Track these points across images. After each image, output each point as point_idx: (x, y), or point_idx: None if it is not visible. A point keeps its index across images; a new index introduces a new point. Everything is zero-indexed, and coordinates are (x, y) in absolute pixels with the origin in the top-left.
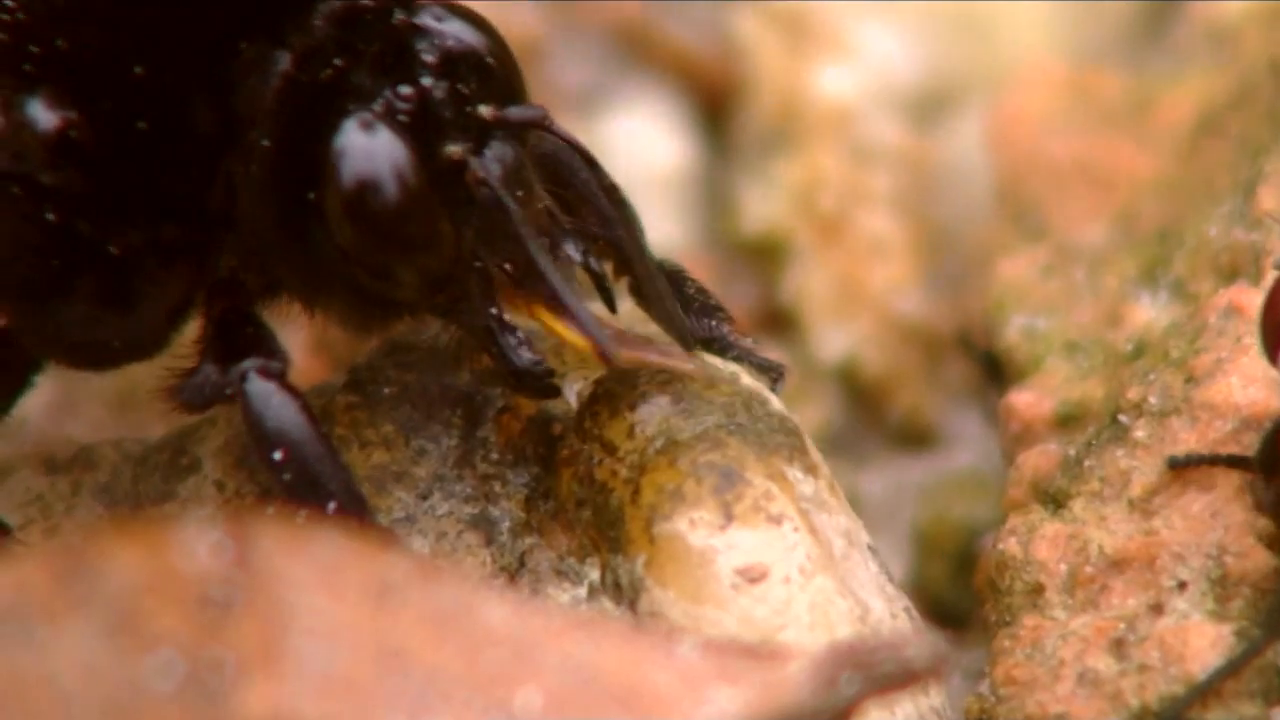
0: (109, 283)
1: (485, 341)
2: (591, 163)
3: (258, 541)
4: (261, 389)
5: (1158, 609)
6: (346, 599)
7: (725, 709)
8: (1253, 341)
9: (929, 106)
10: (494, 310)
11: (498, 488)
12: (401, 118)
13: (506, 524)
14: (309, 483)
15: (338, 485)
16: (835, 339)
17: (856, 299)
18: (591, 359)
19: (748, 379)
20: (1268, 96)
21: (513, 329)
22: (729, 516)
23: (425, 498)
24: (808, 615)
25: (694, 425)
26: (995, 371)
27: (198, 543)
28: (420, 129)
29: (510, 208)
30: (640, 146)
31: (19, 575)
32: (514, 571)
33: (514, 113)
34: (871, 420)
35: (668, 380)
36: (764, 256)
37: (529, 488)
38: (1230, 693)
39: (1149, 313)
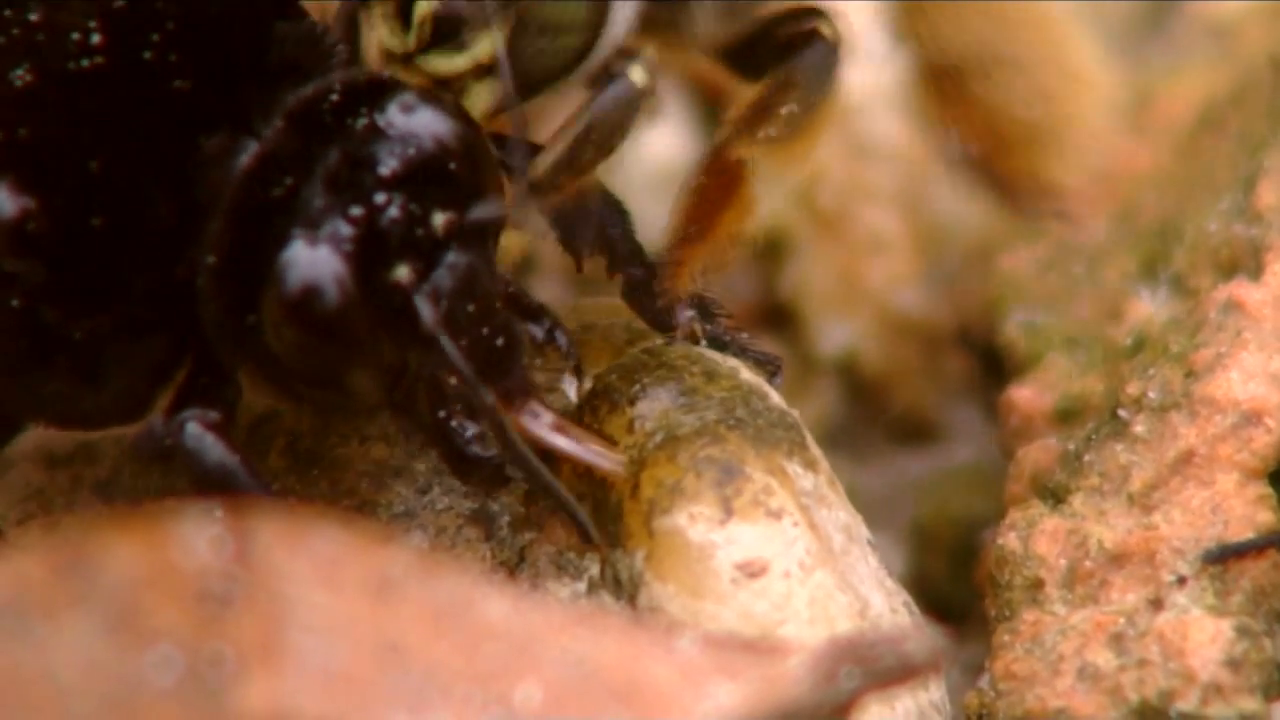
0: (80, 362)
1: (433, 439)
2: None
3: (257, 536)
4: (195, 441)
5: (1157, 604)
6: (346, 594)
7: (725, 703)
8: (1252, 336)
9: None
10: (442, 414)
11: None
12: (346, 245)
13: (506, 519)
14: None
15: None
16: (835, 334)
17: (856, 294)
18: (592, 355)
19: (747, 373)
20: (1268, 92)
21: (461, 431)
22: (729, 511)
23: (425, 492)
24: (807, 610)
25: (694, 420)
26: (995, 366)
27: (197, 538)
28: (366, 254)
29: (449, 353)
30: (640, 142)
31: (18, 570)
32: (514, 566)
33: (473, 215)
34: (871, 415)
35: (668, 375)
36: (764, 252)
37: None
38: (1231, 688)
39: (1149, 308)
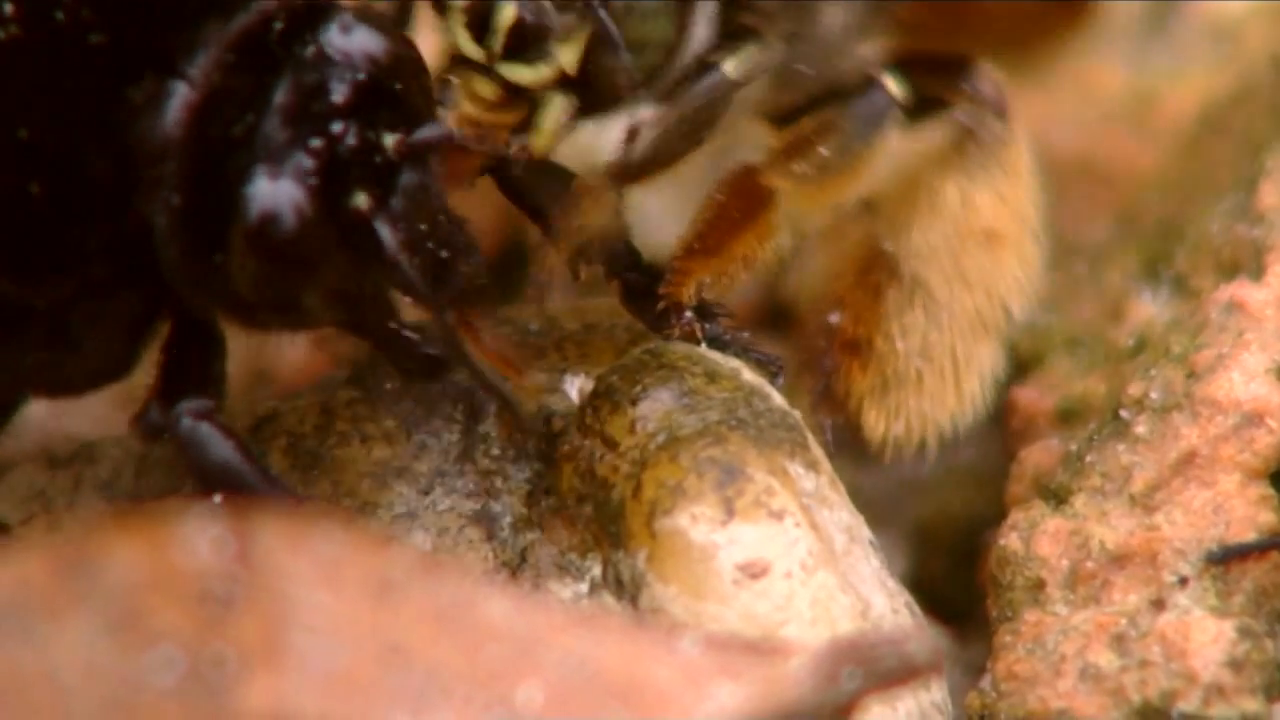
0: (51, 330)
1: (384, 347)
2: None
3: (259, 537)
4: (194, 433)
5: (1159, 604)
6: (347, 594)
7: (726, 704)
8: (1254, 337)
9: None
10: (393, 324)
11: (499, 483)
12: (309, 177)
13: (508, 519)
14: None
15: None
16: None
17: None
18: (594, 355)
19: (749, 374)
20: (1269, 92)
21: (409, 335)
22: (730, 512)
23: (427, 493)
24: (809, 611)
25: (695, 420)
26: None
27: (199, 538)
28: (327, 184)
29: (408, 272)
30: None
31: (20, 571)
32: (515, 567)
33: (420, 136)
34: None
35: (669, 376)
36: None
37: (530, 483)
38: (1232, 688)
39: (1150, 308)
